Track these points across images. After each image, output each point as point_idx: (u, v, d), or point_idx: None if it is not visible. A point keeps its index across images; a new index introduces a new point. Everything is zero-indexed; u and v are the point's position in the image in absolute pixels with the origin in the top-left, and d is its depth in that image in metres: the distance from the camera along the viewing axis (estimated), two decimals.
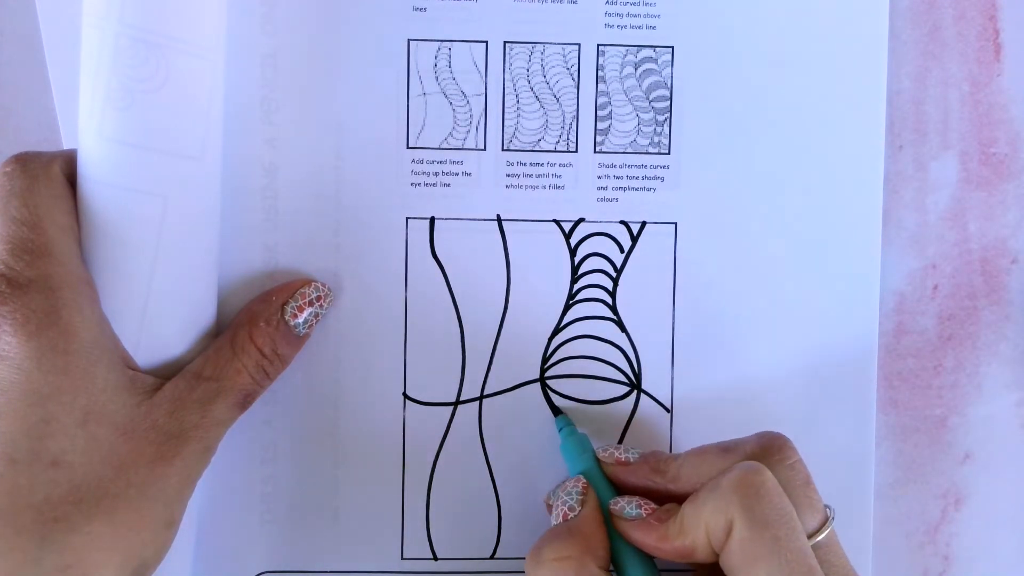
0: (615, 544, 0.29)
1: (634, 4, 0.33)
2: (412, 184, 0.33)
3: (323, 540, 0.33)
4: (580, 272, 0.33)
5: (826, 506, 0.28)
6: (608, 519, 0.29)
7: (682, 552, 0.27)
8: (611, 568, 0.28)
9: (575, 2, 0.32)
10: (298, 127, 0.32)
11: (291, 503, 0.33)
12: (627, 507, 0.29)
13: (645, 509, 0.28)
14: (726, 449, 0.29)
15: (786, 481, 0.27)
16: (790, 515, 0.26)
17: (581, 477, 0.30)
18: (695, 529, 0.26)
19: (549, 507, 0.31)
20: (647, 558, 0.28)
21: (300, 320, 0.31)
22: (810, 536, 0.27)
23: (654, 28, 0.33)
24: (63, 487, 0.25)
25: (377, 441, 0.33)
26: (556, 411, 0.33)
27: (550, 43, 0.33)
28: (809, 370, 0.34)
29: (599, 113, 0.33)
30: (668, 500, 0.29)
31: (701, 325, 0.34)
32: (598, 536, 0.28)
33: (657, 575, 0.28)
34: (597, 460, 0.31)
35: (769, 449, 0.28)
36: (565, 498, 0.29)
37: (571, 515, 0.29)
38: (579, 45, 0.33)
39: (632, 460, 0.30)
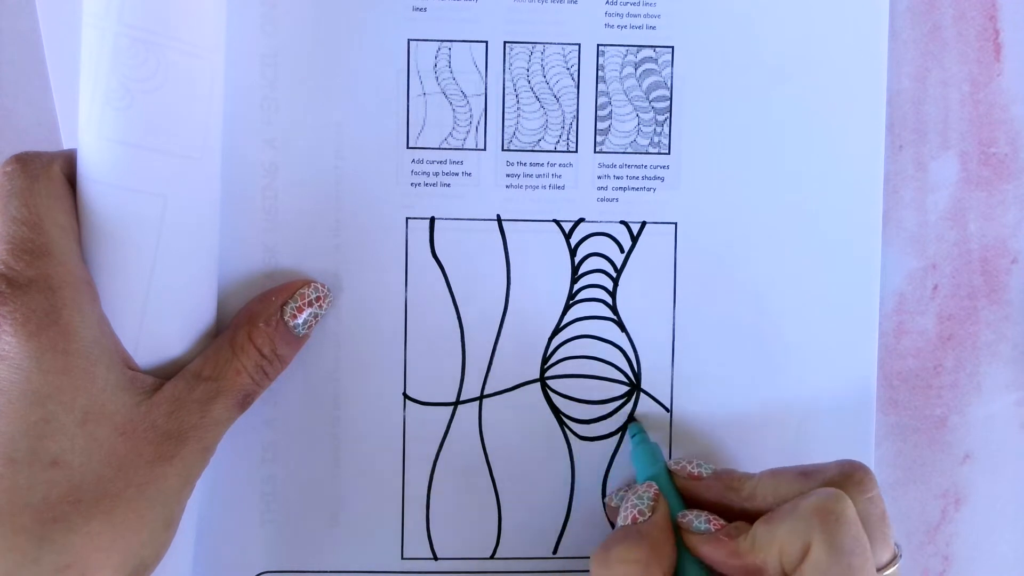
0: (679, 556, 0.28)
1: (634, 4, 0.33)
2: (412, 184, 0.33)
3: (323, 540, 0.33)
4: (580, 272, 0.33)
5: (896, 544, 0.28)
6: (676, 530, 0.29)
7: (750, 570, 0.27)
8: None
9: (575, 2, 0.32)
10: (298, 127, 0.32)
11: (291, 503, 0.33)
12: (695, 520, 0.29)
13: (714, 524, 0.28)
14: (805, 473, 0.29)
15: (864, 513, 0.27)
16: (866, 547, 0.26)
17: (654, 484, 0.30)
18: (768, 548, 0.26)
19: (610, 510, 0.32)
20: (710, 574, 0.28)
21: (299, 321, 0.31)
22: (879, 570, 0.27)
23: (654, 28, 0.33)
24: (62, 487, 0.25)
25: (377, 441, 0.33)
26: (631, 418, 0.34)
27: (550, 43, 0.33)
28: (809, 370, 0.34)
29: (599, 113, 0.33)
30: (737, 518, 0.29)
31: (701, 325, 0.34)
32: (666, 544, 0.28)
33: None
34: (668, 471, 0.31)
35: (851, 479, 0.28)
36: (636, 502, 0.29)
37: (641, 519, 0.29)
38: (579, 45, 0.33)
39: (704, 475, 0.30)
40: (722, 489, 0.30)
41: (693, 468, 0.31)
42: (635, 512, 0.29)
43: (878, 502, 0.28)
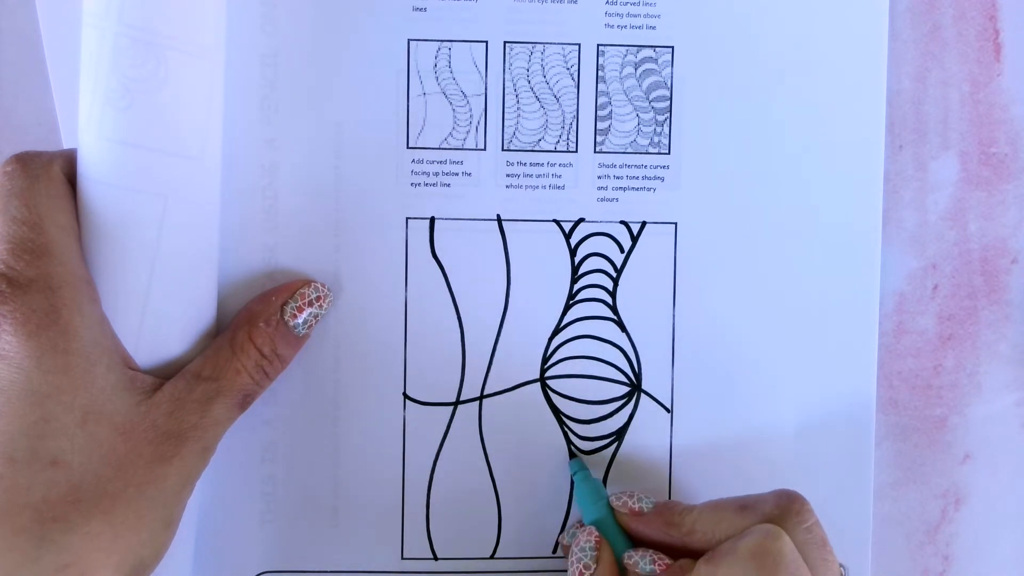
0: None
1: (634, 4, 0.33)
2: (412, 184, 0.33)
3: (323, 540, 0.33)
4: (580, 272, 0.33)
5: (841, 565, 0.28)
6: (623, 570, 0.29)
7: None
8: None
9: (575, 2, 0.32)
10: (298, 127, 0.32)
11: (291, 503, 0.33)
12: (641, 562, 0.29)
13: (659, 565, 0.29)
14: (743, 507, 0.29)
15: (803, 543, 0.27)
16: None
17: (594, 530, 0.30)
18: None
19: (564, 548, 0.32)
20: None
21: (299, 320, 0.31)
22: None
23: (654, 28, 0.33)
24: (62, 486, 0.25)
25: (377, 441, 0.33)
26: (572, 454, 0.34)
27: (550, 43, 0.33)
28: (809, 370, 0.34)
29: (599, 113, 0.33)
30: (682, 552, 0.29)
31: (701, 325, 0.34)
32: None
33: None
34: (611, 508, 0.31)
35: (787, 511, 0.28)
36: (580, 555, 0.30)
37: (587, 573, 0.29)
38: (579, 45, 0.33)
39: (646, 510, 0.31)
40: (663, 525, 0.30)
41: (634, 503, 0.31)
42: (580, 567, 0.29)
43: (816, 530, 0.28)
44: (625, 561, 0.29)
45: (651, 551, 0.29)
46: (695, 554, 0.28)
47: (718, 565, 0.27)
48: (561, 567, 0.34)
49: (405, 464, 0.33)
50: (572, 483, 0.34)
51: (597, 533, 0.30)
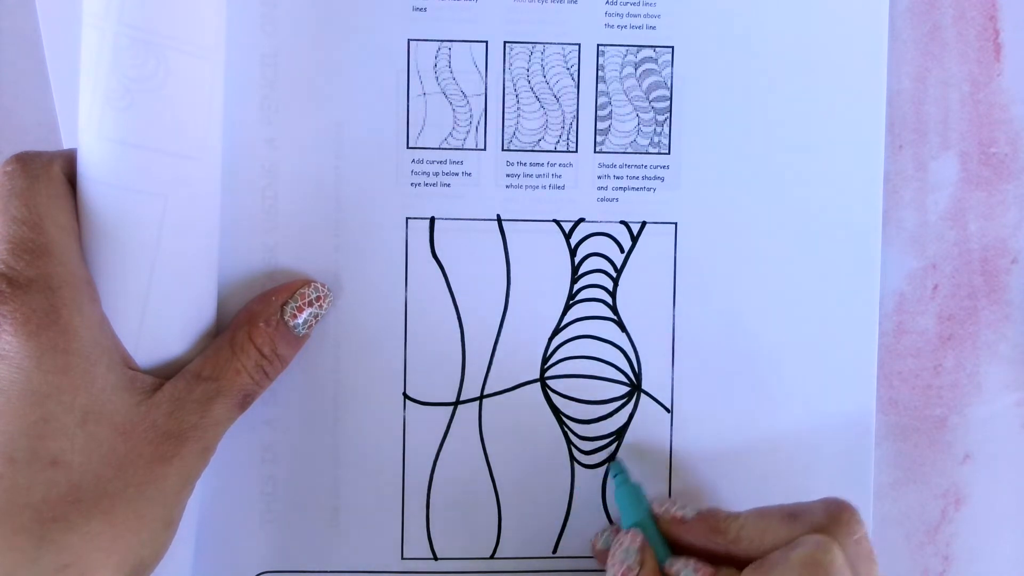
0: None
1: (634, 4, 0.33)
2: (412, 184, 0.33)
3: (323, 540, 0.33)
4: (580, 272, 0.33)
5: None
6: None
7: None
8: None
9: (575, 2, 0.32)
10: (298, 127, 0.32)
11: (291, 503, 0.33)
12: (684, 570, 0.28)
13: (702, 573, 0.28)
14: (791, 515, 0.28)
15: (851, 556, 0.27)
16: None
17: (639, 532, 0.30)
18: None
19: (598, 552, 0.31)
20: None
21: (299, 321, 0.31)
22: None
23: (654, 28, 0.33)
24: (62, 486, 0.25)
25: (377, 441, 0.33)
26: (612, 457, 0.33)
27: (550, 43, 0.33)
28: (809, 369, 0.34)
29: (599, 113, 0.33)
30: (723, 561, 0.29)
31: (701, 325, 0.34)
32: None
33: None
34: (652, 514, 0.31)
35: (837, 521, 0.28)
36: (623, 556, 0.29)
37: (630, 575, 0.29)
38: (579, 45, 0.33)
39: (688, 517, 0.30)
40: (707, 531, 0.29)
41: (677, 510, 0.30)
42: (623, 568, 0.29)
43: (864, 543, 0.28)
44: (667, 569, 0.29)
45: (694, 559, 0.29)
46: (738, 562, 0.28)
47: (767, 574, 0.26)
48: (561, 567, 0.34)
49: (405, 464, 0.33)
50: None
51: (642, 536, 0.30)
